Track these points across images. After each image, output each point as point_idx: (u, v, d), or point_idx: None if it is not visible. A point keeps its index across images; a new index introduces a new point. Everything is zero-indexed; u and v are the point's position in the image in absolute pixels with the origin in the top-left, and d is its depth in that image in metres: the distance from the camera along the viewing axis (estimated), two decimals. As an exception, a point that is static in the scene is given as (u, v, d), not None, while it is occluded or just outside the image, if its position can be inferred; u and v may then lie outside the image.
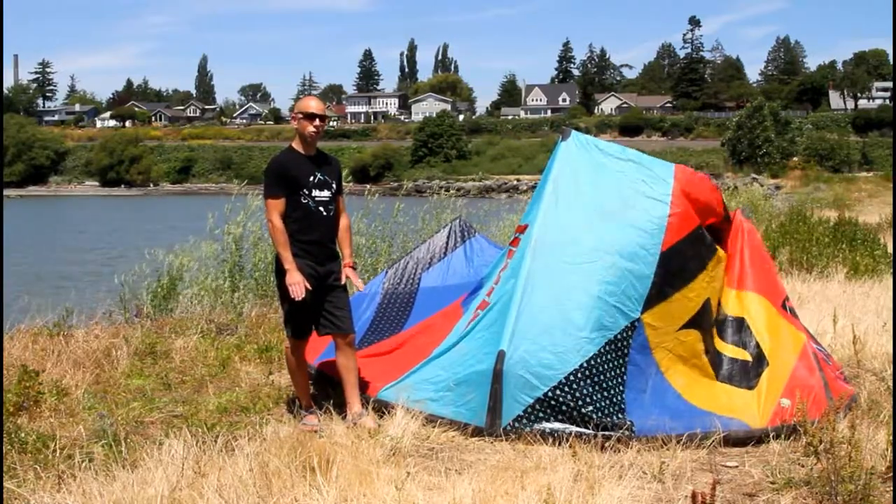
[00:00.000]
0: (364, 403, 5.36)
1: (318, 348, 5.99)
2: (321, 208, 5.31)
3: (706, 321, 5.58)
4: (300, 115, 5.33)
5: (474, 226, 7.84)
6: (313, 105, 5.38)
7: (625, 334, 5.18)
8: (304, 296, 5.12)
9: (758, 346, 5.63)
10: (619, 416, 5.02)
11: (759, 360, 5.56)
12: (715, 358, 5.58)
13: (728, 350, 5.65)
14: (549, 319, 5.17)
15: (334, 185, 5.40)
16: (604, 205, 5.56)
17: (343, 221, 5.55)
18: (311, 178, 5.28)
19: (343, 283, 5.44)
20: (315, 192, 5.29)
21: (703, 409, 5.17)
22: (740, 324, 5.75)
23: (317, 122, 5.31)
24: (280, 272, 5.25)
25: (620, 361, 5.14)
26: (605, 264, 5.31)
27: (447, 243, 7.17)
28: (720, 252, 5.78)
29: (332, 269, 5.36)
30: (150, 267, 9.22)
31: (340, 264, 5.48)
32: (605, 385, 5.06)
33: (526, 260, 5.39)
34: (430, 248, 7.17)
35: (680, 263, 5.45)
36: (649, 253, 5.35)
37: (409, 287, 6.89)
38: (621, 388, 5.10)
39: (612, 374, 5.09)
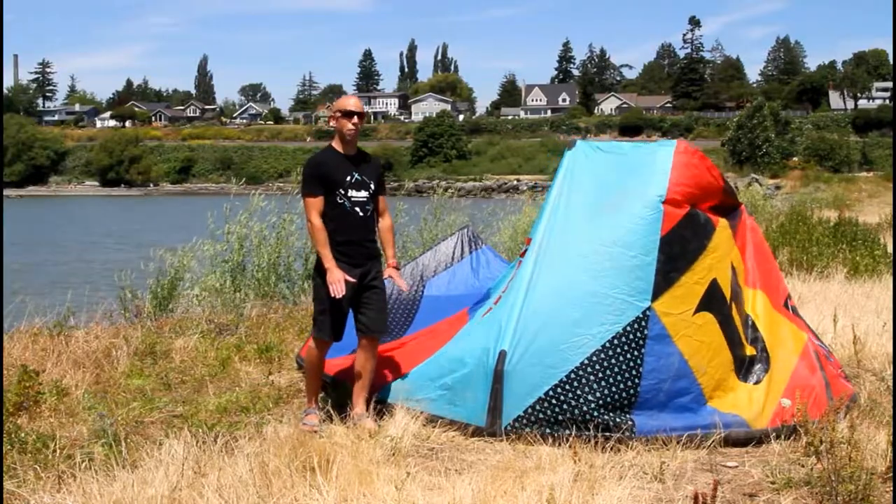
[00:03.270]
0: (366, 406, 5.34)
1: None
2: (357, 209, 5.24)
3: (717, 301, 5.46)
4: (338, 113, 5.27)
5: (478, 230, 7.83)
6: (352, 103, 5.32)
7: (637, 325, 5.11)
8: (344, 293, 5.06)
9: (763, 341, 5.61)
10: (623, 413, 5.01)
11: (764, 357, 5.55)
12: (735, 343, 5.49)
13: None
14: (549, 318, 5.16)
15: (373, 186, 5.32)
16: (603, 200, 5.54)
17: (385, 221, 5.49)
18: (349, 178, 5.22)
19: (380, 283, 5.37)
20: (351, 193, 5.22)
21: (710, 407, 5.15)
22: (746, 318, 5.74)
23: (355, 119, 5.25)
24: (319, 271, 5.21)
25: (635, 353, 5.07)
26: (604, 258, 5.28)
27: (454, 252, 7.15)
28: (720, 227, 5.67)
29: (369, 269, 5.29)
30: (151, 266, 9.21)
31: (380, 263, 5.43)
32: (611, 380, 5.03)
33: (529, 263, 5.40)
34: (435, 256, 7.16)
35: (681, 246, 5.38)
36: (649, 240, 5.29)
37: (414, 293, 6.87)
38: (636, 380, 5.04)
39: (623, 367, 5.04)
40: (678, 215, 5.41)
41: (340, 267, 5.12)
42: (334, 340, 5.33)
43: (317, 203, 5.17)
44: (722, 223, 5.72)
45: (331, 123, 5.39)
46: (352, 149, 5.31)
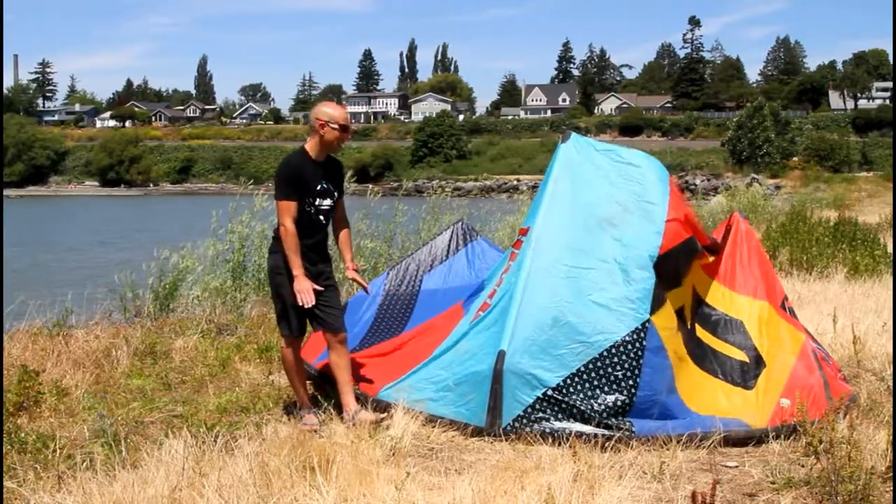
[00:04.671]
0: (363, 403, 5.35)
1: (318, 348, 5.99)
2: (321, 217, 5.32)
3: (682, 318, 5.68)
4: (335, 126, 5.23)
5: (475, 227, 7.82)
6: (346, 117, 5.34)
7: (634, 336, 5.13)
8: (312, 303, 5.14)
9: (755, 348, 5.65)
10: (621, 418, 5.01)
11: (757, 362, 5.57)
12: (705, 354, 5.62)
13: (725, 349, 5.67)
14: (549, 322, 5.16)
15: (336, 194, 5.40)
16: (603, 209, 5.59)
17: (344, 226, 5.56)
18: (318, 187, 5.27)
19: (334, 282, 5.46)
20: (318, 201, 5.29)
21: (703, 415, 5.16)
22: (737, 325, 5.78)
23: (346, 133, 5.30)
24: (278, 272, 5.26)
25: (633, 363, 5.08)
26: (605, 271, 5.32)
27: (449, 246, 7.15)
28: (703, 256, 5.91)
29: (323, 269, 5.38)
30: (152, 266, 9.20)
31: (331, 264, 5.53)
32: (607, 388, 5.03)
33: (526, 261, 5.40)
34: (431, 251, 7.16)
35: (674, 267, 5.53)
36: (649, 256, 5.37)
37: (410, 289, 6.87)
38: (633, 389, 5.05)
39: (620, 375, 5.05)
40: (679, 238, 5.55)
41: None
42: (300, 335, 5.42)
43: (292, 208, 5.19)
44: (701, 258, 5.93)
45: (321, 130, 5.23)
46: (323, 155, 5.35)
